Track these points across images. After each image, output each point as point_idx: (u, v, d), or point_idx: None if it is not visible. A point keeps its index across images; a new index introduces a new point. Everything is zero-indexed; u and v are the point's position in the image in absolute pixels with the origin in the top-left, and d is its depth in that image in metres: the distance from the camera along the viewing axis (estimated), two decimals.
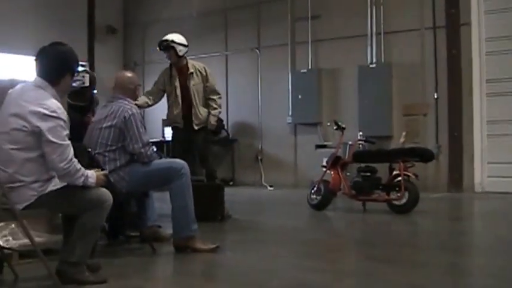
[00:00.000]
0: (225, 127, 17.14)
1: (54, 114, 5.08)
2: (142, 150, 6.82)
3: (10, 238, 6.16)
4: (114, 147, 6.82)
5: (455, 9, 14.10)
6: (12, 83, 5.52)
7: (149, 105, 10.18)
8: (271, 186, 16.21)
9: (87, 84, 8.14)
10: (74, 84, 6.56)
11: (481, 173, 13.81)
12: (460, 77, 14.05)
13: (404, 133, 13.09)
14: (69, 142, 5.14)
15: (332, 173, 10.88)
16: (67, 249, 5.27)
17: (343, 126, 11.30)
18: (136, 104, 7.38)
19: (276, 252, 7.21)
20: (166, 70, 10.13)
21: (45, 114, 5.06)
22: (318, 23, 16.06)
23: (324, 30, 15.95)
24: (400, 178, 10.16)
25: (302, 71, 16.10)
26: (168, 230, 7.43)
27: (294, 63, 16.42)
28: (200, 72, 10.05)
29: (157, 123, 17.15)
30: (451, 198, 13.30)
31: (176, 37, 9.98)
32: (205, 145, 10.21)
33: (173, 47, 9.90)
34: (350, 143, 12.33)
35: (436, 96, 14.35)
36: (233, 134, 17.41)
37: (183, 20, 17.72)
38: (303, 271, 6.07)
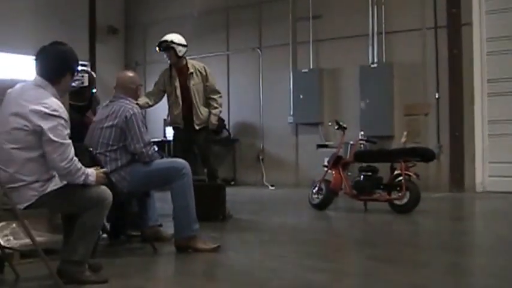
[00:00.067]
0: (227, 127, 17.15)
1: (55, 113, 5.08)
2: (144, 150, 6.82)
3: (11, 238, 6.16)
4: (115, 147, 6.82)
5: (456, 9, 14.10)
6: (13, 83, 5.50)
7: (150, 106, 10.17)
8: (272, 186, 16.21)
9: (86, 84, 8.13)
10: (73, 84, 6.55)
11: (482, 173, 13.82)
12: (461, 77, 14.06)
13: (405, 133, 13.10)
14: (70, 141, 5.14)
15: (333, 172, 10.88)
16: (68, 248, 5.27)
17: (345, 126, 11.30)
18: (137, 104, 7.37)
19: (277, 251, 7.21)
20: (166, 70, 10.11)
21: (46, 113, 5.06)
22: (319, 22, 16.07)
23: (325, 30, 15.96)
24: (401, 178, 10.16)
25: (303, 70, 16.11)
26: (169, 229, 7.43)
27: (296, 63, 16.42)
28: (200, 72, 10.03)
29: (159, 122, 17.17)
30: (452, 198, 13.30)
31: (175, 37, 9.95)
32: (206, 145, 10.19)
33: (173, 48, 9.88)
34: (351, 142, 12.35)
35: (437, 96, 14.35)
36: (234, 133, 17.42)
37: (185, 20, 17.72)
38: (304, 271, 6.08)
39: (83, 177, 5.19)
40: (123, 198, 6.84)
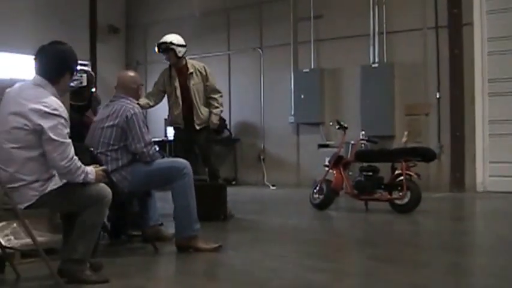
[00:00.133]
0: (228, 127, 17.15)
1: (55, 112, 5.08)
2: (145, 149, 6.82)
3: (12, 237, 6.16)
4: (116, 147, 6.83)
5: (457, 9, 14.10)
6: (12, 83, 5.51)
7: (150, 106, 10.16)
8: (273, 185, 16.21)
9: (84, 84, 8.13)
10: (72, 84, 6.56)
11: (483, 173, 13.81)
12: (462, 76, 14.05)
13: (406, 133, 13.10)
14: (70, 140, 5.14)
15: (334, 172, 10.89)
16: (69, 247, 5.28)
17: (346, 125, 11.31)
18: (138, 104, 7.37)
19: (278, 251, 7.22)
20: (166, 71, 10.09)
21: (46, 112, 5.06)
22: (320, 22, 16.06)
23: (326, 30, 15.95)
24: (402, 178, 10.17)
25: (304, 70, 16.10)
26: (170, 229, 7.44)
27: (297, 63, 16.42)
28: (200, 71, 10.01)
29: (160, 122, 17.17)
30: (453, 197, 13.30)
31: (174, 38, 9.92)
32: (207, 144, 10.18)
33: (172, 49, 9.86)
34: (352, 142, 12.35)
35: (438, 96, 14.35)
36: (235, 133, 17.42)
37: (185, 20, 17.73)
38: (305, 270, 6.08)
39: (83, 175, 5.19)
40: (124, 197, 6.86)
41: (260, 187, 16.34)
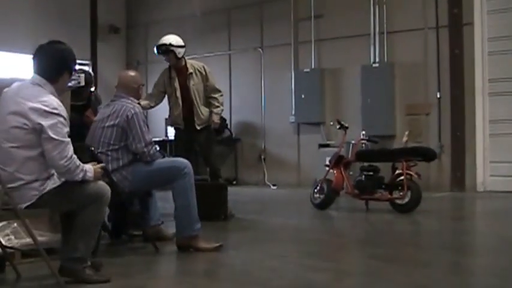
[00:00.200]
0: (228, 126, 17.14)
1: (55, 111, 5.09)
2: (145, 149, 6.82)
3: (12, 237, 6.17)
4: (116, 147, 6.83)
5: (458, 9, 14.10)
6: (12, 82, 5.50)
7: (151, 107, 10.15)
8: (274, 185, 16.21)
9: (82, 83, 8.14)
10: (70, 84, 6.56)
11: (484, 172, 13.82)
12: (463, 76, 14.06)
13: (407, 132, 13.08)
14: (69, 139, 5.14)
15: (335, 172, 10.89)
16: (69, 246, 5.28)
17: (346, 125, 11.30)
18: (138, 104, 7.36)
19: (279, 251, 7.22)
20: (166, 71, 10.05)
21: (45, 111, 5.06)
22: (320, 22, 16.06)
23: (326, 29, 15.95)
24: (402, 177, 10.16)
25: (305, 70, 16.10)
26: (171, 229, 7.44)
27: (297, 62, 16.43)
28: (199, 71, 9.98)
29: (160, 122, 17.18)
30: (453, 197, 13.31)
31: (173, 39, 9.87)
32: (207, 144, 10.15)
33: (172, 51, 9.83)
34: (353, 142, 12.34)
35: (438, 96, 14.35)
36: (236, 133, 17.41)
37: (186, 20, 17.75)
38: (306, 270, 6.09)
39: (82, 174, 5.19)
40: (124, 197, 6.88)
41: (261, 187, 16.34)
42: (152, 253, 6.91)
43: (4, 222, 6.04)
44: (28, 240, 5.69)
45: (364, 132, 13.34)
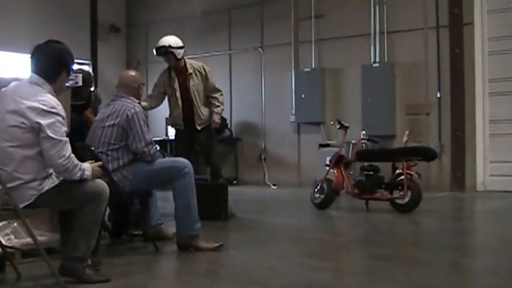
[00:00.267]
0: (229, 126, 17.14)
1: (53, 110, 5.09)
2: (146, 149, 6.83)
3: (12, 237, 6.17)
4: (117, 146, 6.83)
5: (458, 9, 14.11)
6: (12, 81, 5.50)
7: (151, 108, 10.14)
8: (274, 185, 16.21)
9: (80, 83, 8.11)
10: (67, 84, 6.55)
11: (484, 172, 13.83)
12: (463, 76, 14.06)
13: (407, 132, 13.07)
14: (67, 139, 5.14)
15: (335, 171, 10.89)
16: (69, 245, 5.28)
17: (346, 125, 11.30)
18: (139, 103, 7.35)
19: (279, 251, 7.23)
20: (165, 72, 10.02)
21: (43, 110, 5.06)
22: (321, 22, 16.06)
23: (327, 29, 15.95)
24: (402, 177, 10.17)
25: (305, 70, 16.10)
26: (171, 228, 7.44)
27: (298, 62, 16.43)
28: (199, 71, 9.94)
29: (161, 121, 17.18)
30: (453, 197, 13.31)
31: (172, 41, 9.81)
32: (208, 143, 10.13)
33: (172, 52, 9.81)
34: (353, 142, 12.34)
35: (438, 96, 14.35)
36: (236, 133, 17.41)
37: (186, 19, 17.77)
38: (306, 270, 6.09)
39: (80, 173, 5.19)
40: (125, 197, 6.88)
41: (261, 186, 16.34)
42: (152, 253, 6.91)
43: (4, 222, 6.04)
44: (28, 239, 5.69)
45: (364, 132, 13.33)
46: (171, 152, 14.68)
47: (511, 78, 13.50)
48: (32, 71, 5.32)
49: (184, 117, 9.93)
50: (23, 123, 5.06)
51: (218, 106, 9.99)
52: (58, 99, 5.23)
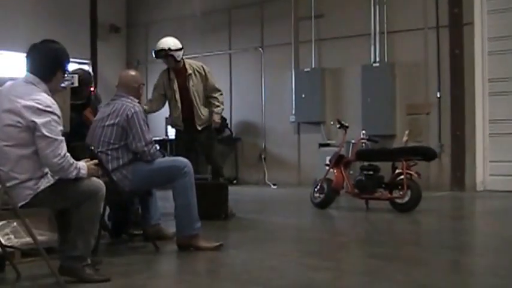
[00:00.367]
0: (229, 126, 17.14)
1: (48, 109, 5.09)
2: (145, 148, 6.83)
3: (12, 236, 6.17)
4: (116, 146, 6.83)
5: (458, 9, 14.10)
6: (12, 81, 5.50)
7: (153, 112, 10.10)
8: (274, 184, 16.21)
9: (76, 84, 8.10)
10: (63, 85, 6.54)
11: (483, 172, 13.83)
12: (463, 76, 14.06)
13: (407, 132, 13.07)
14: (62, 138, 5.14)
15: (335, 171, 10.89)
16: (69, 245, 5.28)
17: (346, 125, 11.31)
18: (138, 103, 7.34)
19: (279, 250, 7.23)
20: (164, 73, 9.95)
21: (38, 109, 5.06)
22: (321, 22, 16.06)
23: (327, 29, 15.95)
24: (402, 177, 10.17)
25: (305, 70, 16.09)
26: (171, 228, 7.45)
27: (298, 62, 16.43)
28: (198, 72, 9.89)
29: (160, 121, 17.15)
30: (453, 196, 13.31)
31: (172, 43, 9.74)
32: (208, 142, 10.10)
33: (171, 55, 9.78)
34: (353, 141, 12.34)
35: (438, 96, 14.35)
36: (236, 132, 17.41)
37: (186, 19, 17.77)
38: (306, 269, 6.10)
39: (75, 171, 5.19)
40: (124, 196, 6.88)
41: (261, 186, 16.34)
42: (152, 252, 6.92)
43: (4, 222, 6.04)
44: (28, 239, 5.69)
45: (364, 131, 13.34)
46: (171, 151, 14.67)
47: (511, 78, 13.50)
48: (28, 70, 5.32)
49: (184, 118, 9.90)
50: (18, 122, 5.06)
51: (218, 106, 9.95)
52: (58, 99, 5.23)
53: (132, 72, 7.51)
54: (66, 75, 5.70)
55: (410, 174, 10.22)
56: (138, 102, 7.21)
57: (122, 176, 6.79)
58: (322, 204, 10.84)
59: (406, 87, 14.76)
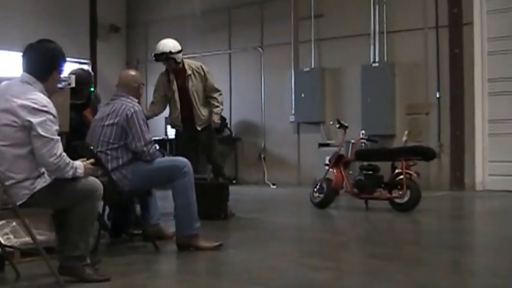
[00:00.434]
0: (228, 126, 17.14)
1: (44, 108, 5.07)
2: (145, 148, 6.82)
3: (11, 236, 6.17)
4: (116, 145, 6.83)
5: (458, 9, 14.12)
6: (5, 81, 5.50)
7: (156, 115, 10.07)
8: (274, 184, 16.21)
9: (73, 85, 8.09)
10: (60, 86, 6.53)
11: (483, 172, 13.84)
12: (462, 76, 14.08)
13: (406, 132, 13.08)
14: (58, 137, 5.13)
15: (335, 171, 10.90)
16: (68, 245, 5.27)
17: (346, 125, 11.31)
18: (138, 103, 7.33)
19: (279, 250, 7.23)
20: (164, 74, 9.93)
21: (34, 108, 5.05)
22: (321, 21, 16.07)
23: (327, 29, 15.96)
24: (402, 176, 10.17)
25: (305, 70, 16.10)
26: (171, 228, 7.45)
27: (297, 62, 16.43)
28: (198, 72, 9.87)
29: (160, 121, 17.13)
30: (452, 196, 13.32)
31: (172, 46, 9.69)
32: (208, 142, 10.09)
33: (172, 58, 9.77)
34: (353, 141, 12.34)
35: (438, 96, 14.36)
36: (236, 132, 17.41)
37: (186, 19, 17.78)
38: (306, 269, 6.09)
39: (72, 171, 5.18)
40: (124, 196, 6.88)
41: (261, 186, 16.35)
42: (152, 252, 6.91)
43: (3, 221, 6.04)
44: (27, 239, 5.69)
45: (363, 131, 13.36)
46: (170, 151, 14.67)
47: (511, 78, 13.51)
48: (24, 70, 5.31)
49: (183, 118, 9.88)
50: (14, 121, 5.05)
51: (217, 106, 9.94)
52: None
53: (132, 72, 7.51)
54: (61, 74, 5.68)
55: (410, 174, 10.22)
56: (138, 102, 7.21)
57: (122, 175, 6.78)
58: (322, 204, 10.84)
59: (405, 87, 14.77)
